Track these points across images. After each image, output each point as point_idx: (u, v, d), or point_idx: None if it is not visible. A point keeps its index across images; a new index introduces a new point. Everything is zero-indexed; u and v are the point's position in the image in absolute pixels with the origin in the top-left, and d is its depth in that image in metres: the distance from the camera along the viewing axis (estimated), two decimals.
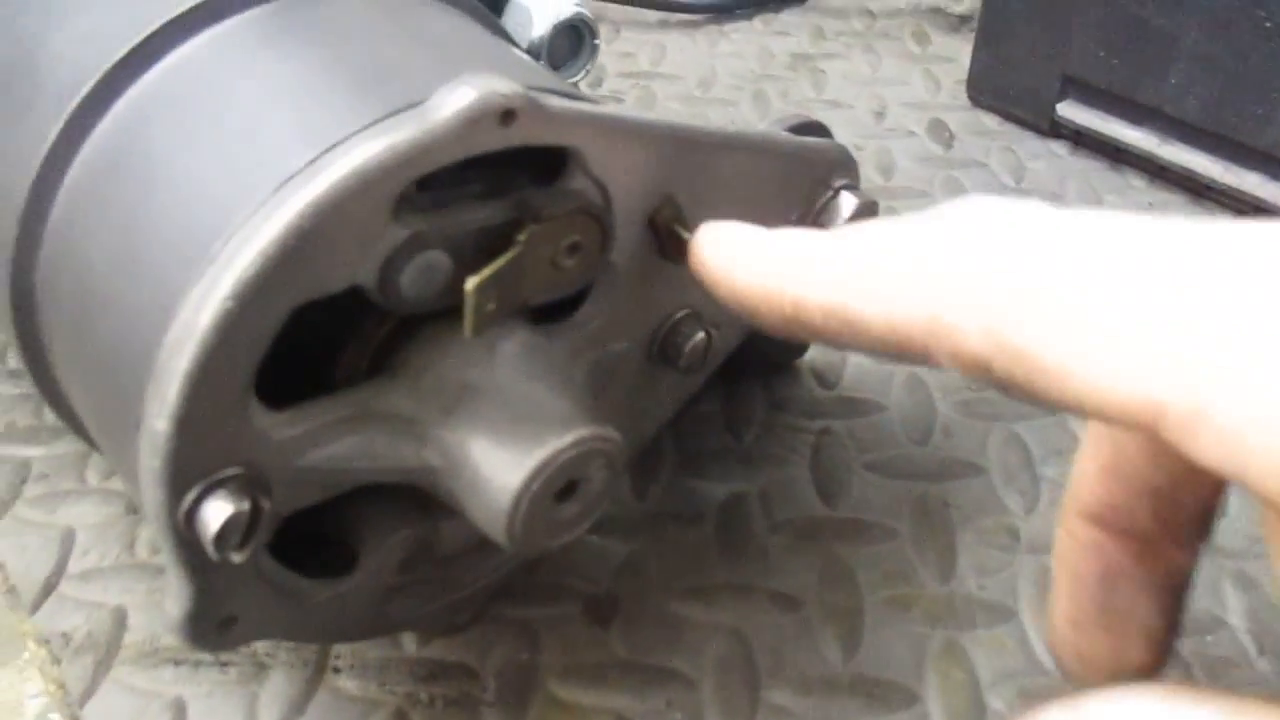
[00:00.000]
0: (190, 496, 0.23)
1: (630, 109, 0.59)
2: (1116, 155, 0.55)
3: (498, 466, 0.24)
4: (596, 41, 0.41)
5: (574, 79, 0.41)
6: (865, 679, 0.32)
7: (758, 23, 0.69)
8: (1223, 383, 0.15)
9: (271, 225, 0.22)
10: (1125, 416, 0.16)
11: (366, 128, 0.23)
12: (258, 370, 0.23)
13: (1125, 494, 0.23)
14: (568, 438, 0.25)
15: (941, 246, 0.19)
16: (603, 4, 0.67)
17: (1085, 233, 0.18)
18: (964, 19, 0.69)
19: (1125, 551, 0.23)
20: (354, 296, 0.24)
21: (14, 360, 0.42)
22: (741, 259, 0.23)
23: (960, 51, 0.63)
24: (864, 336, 0.20)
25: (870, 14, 0.70)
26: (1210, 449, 0.16)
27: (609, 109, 0.26)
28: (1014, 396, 0.18)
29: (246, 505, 0.23)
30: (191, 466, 0.23)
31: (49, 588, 0.34)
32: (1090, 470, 0.23)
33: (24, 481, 0.37)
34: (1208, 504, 0.23)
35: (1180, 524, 0.23)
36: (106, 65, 0.26)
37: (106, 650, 0.32)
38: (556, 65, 0.41)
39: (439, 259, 0.24)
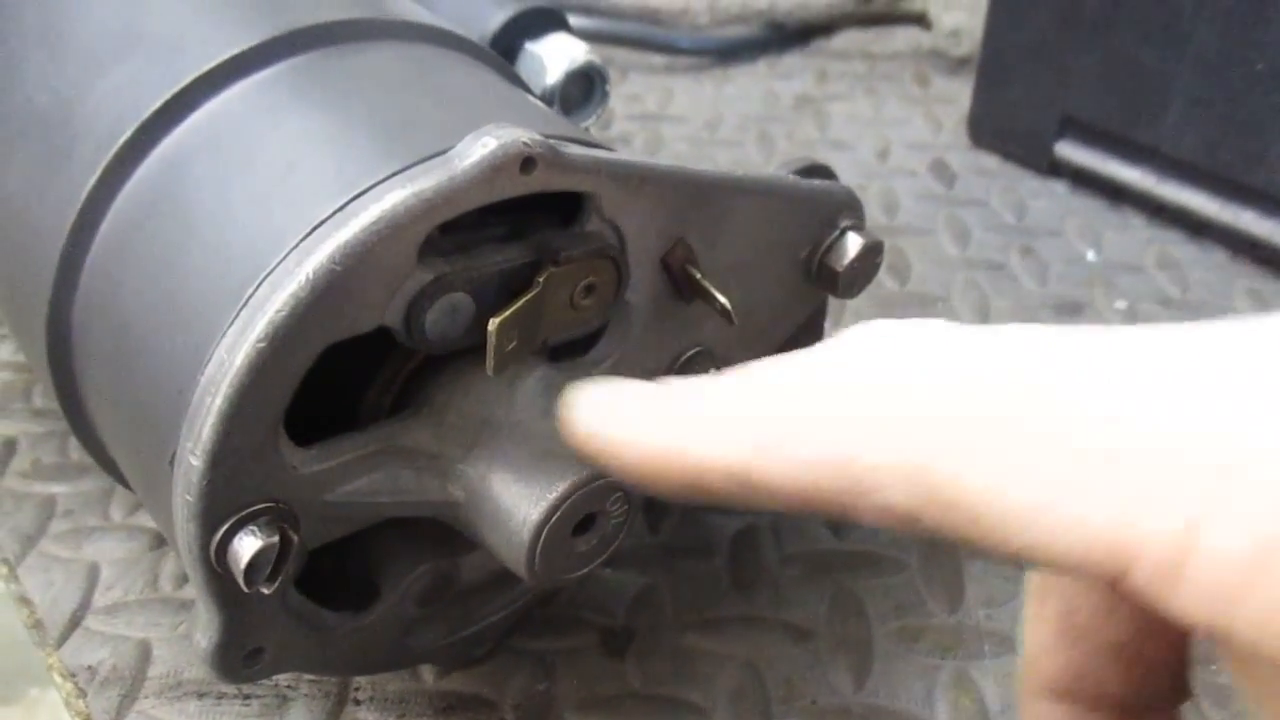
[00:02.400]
0: (222, 530, 0.24)
1: (642, 155, 0.60)
2: (1115, 194, 0.57)
3: (519, 500, 0.25)
4: (607, 87, 0.42)
5: (585, 123, 0.43)
6: (876, 708, 0.32)
7: (762, 66, 0.71)
8: (1204, 525, 0.13)
9: (303, 269, 0.23)
10: (1086, 567, 0.14)
11: (394, 175, 0.24)
12: (287, 408, 0.24)
13: (1087, 657, 0.20)
14: (586, 472, 0.25)
15: (846, 385, 0.17)
16: (610, 48, 0.69)
17: (1008, 353, 0.16)
18: (963, 61, 0.70)
19: None
20: (379, 336, 0.25)
21: (39, 399, 0.43)
22: (626, 427, 0.20)
23: (961, 93, 0.65)
24: (774, 498, 0.17)
25: (872, 57, 0.72)
26: (1193, 600, 0.13)
27: (623, 156, 0.27)
28: (954, 546, 0.16)
29: (276, 539, 0.24)
30: (224, 501, 0.23)
31: (75, 622, 0.34)
32: (1042, 636, 0.20)
33: (50, 518, 0.38)
34: (1179, 655, 0.20)
35: (1156, 683, 0.20)
36: (143, 116, 0.27)
37: (132, 683, 0.33)
38: (568, 110, 0.42)
39: (462, 300, 0.25)
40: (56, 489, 0.39)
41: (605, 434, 0.20)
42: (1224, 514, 0.13)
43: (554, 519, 0.25)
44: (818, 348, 0.18)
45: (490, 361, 0.25)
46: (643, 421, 0.19)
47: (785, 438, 0.17)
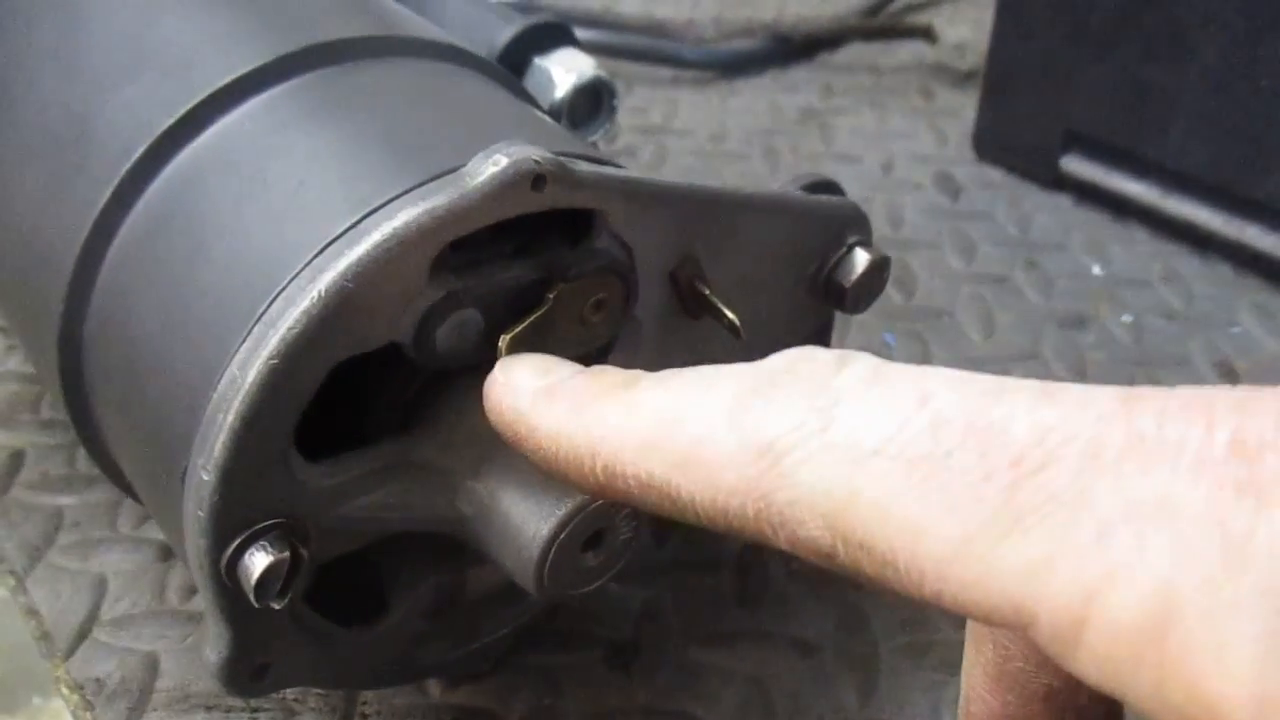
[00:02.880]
0: (233, 546, 0.24)
1: (649, 170, 0.60)
2: (1120, 208, 0.57)
3: (528, 516, 0.25)
4: (615, 102, 0.42)
5: (593, 138, 0.43)
6: None
7: (767, 79, 0.71)
8: (1100, 598, 0.13)
9: (315, 286, 0.23)
10: (992, 619, 0.14)
11: (406, 193, 0.24)
12: (298, 423, 0.24)
13: (1022, 702, 0.21)
14: None
15: (770, 411, 0.17)
16: (616, 61, 0.69)
17: (924, 398, 0.16)
18: (969, 75, 0.70)
19: None
20: (388, 351, 0.25)
21: (47, 410, 0.43)
22: (540, 410, 0.20)
23: (965, 106, 0.65)
24: (688, 513, 0.17)
25: (877, 70, 0.72)
26: (1089, 665, 0.14)
27: (632, 173, 0.27)
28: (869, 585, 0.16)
29: (286, 554, 0.24)
30: (235, 516, 0.24)
31: (82, 634, 0.34)
32: (978, 679, 0.21)
33: (57, 530, 0.38)
34: (1112, 701, 0.19)
35: None
36: (155, 133, 0.27)
37: (139, 696, 0.33)
38: (576, 125, 0.42)
39: (472, 316, 0.25)
40: (64, 500, 0.39)
41: (519, 416, 0.19)
42: (1121, 589, 0.13)
43: (563, 535, 0.25)
44: (745, 368, 0.18)
45: None
46: (557, 410, 0.19)
47: (706, 457, 0.17)
